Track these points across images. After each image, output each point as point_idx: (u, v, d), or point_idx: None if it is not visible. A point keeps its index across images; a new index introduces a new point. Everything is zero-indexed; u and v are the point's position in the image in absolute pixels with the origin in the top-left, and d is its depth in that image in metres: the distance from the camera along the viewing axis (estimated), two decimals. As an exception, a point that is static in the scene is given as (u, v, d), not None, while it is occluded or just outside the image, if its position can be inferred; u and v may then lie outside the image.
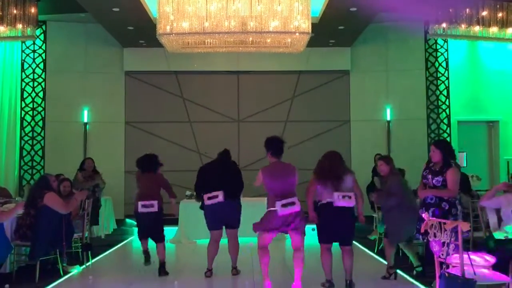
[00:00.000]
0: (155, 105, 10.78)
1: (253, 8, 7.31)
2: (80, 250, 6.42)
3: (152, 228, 5.91)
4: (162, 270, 5.83)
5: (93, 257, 6.62)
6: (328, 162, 5.09)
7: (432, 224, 3.65)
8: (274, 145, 5.07)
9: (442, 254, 3.61)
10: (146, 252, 6.10)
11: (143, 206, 5.81)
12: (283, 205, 4.75)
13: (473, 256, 3.64)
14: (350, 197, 4.92)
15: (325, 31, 9.35)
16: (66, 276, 5.70)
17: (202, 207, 5.77)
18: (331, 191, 4.93)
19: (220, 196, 5.54)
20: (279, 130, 10.72)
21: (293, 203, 4.76)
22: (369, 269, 6.14)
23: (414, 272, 5.56)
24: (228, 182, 5.68)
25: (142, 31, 9.23)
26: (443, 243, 3.60)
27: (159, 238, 5.89)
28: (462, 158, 10.93)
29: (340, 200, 4.87)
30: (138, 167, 6.13)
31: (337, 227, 4.94)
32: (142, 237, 6.07)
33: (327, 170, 5.03)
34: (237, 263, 5.84)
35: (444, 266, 3.66)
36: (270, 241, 4.98)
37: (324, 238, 5.01)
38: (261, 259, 4.94)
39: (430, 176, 4.83)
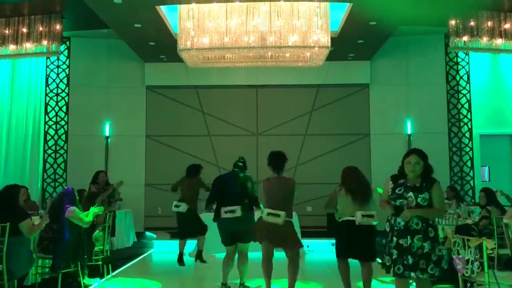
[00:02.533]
0: (176, 119, 10.90)
1: (272, 23, 7.38)
2: (101, 263, 6.47)
3: (192, 223, 7.38)
4: (200, 258, 7.38)
5: (113, 270, 6.66)
6: (359, 177, 5.20)
7: (456, 241, 3.59)
8: (273, 161, 5.24)
9: (467, 272, 3.53)
10: (181, 255, 7.39)
11: (176, 206, 7.39)
12: (268, 214, 4.98)
13: (498, 274, 3.56)
14: (373, 216, 4.92)
15: (344, 45, 9.35)
16: (87, 289, 5.76)
17: (215, 219, 5.76)
18: (356, 207, 4.96)
19: (238, 211, 5.52)
20: (298, 143, 10.74)
21: (277, 215, 4.94)
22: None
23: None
24: (244, 195, 5.63)
25: (163, 46, 9.38)
26: (467, 260, 3.53)
27: (203, 231, 7.43)
28: (484, 172, 10.75)
29: (362, 219, 4.87)
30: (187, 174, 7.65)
31: (356, 244, 4.92)
32: (184, 236, 7.46)
33: (359, 184, 5.12)
34: (244, 279, 5.71)
35: (468, 285, 3.58)
36: (271, 253, 5.13)
37: (341, 253, 5.04)
38: (264, 271, 5.13)
39: (411, 194, 3.82)
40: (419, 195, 3.81)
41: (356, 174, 5.20)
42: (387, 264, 3.84)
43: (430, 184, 3.84)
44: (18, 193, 5.18)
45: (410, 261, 3.70)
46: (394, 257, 3.79)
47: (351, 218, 4.93)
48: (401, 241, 3.78)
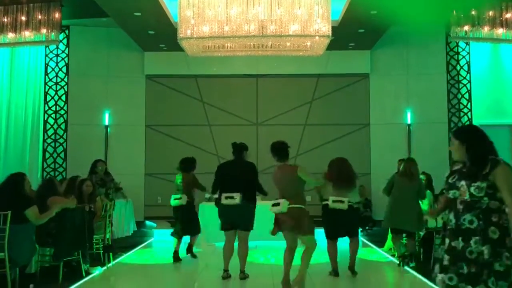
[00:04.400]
0: (175, 108, 10.88)
1: (273, 12, 7.33)
2: (101, 251, 6.51)
3: (184, 220, 6.90)
4: (190, 251, 7.13)
5: (114, 259, 6.69)
6: (345, 166, 5.91)
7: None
8: (274, 150, 5.28)
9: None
10: (176, 253, 6.87)
11: (175, 199, 6.98)
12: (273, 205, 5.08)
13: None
14: (343, 202, 5.67)
15: (345, 34, 9.31)
16: (88, 277, 5.78)
17: (217, 203, 5.81)
18: (342, 193, 5.75)
19: (237, 198, 5.56)
20: (298, 133, 10.74)
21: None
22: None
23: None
24: (246, 183, 5.68)
25: (163, 35, 9.34)
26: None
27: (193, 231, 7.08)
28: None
29: (333, 204, 5.69)
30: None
31: (343, 224, 5.73)
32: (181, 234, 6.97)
33: (345, 173, 5.83)
34: (245, 267, 5.72)
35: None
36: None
37: (331, 235, 5.83)
38: (283, 259, 5.15)
39: (464, 183, 2.95)
40: (472, 184, 2.90)
41: (342, 164, 5.87)
42: (437, 273, 3.01)
43: (491, 169, 2.89)
44: (23, 180, 5.22)
45: (465, 270, 2.86)
46: (445, 263, 2.96)
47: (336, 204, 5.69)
48: (453, 243, 2.94)
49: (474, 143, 2.99)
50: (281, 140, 5.31)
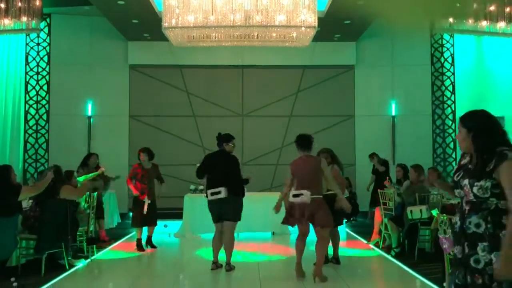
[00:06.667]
0: (160, 99, 10.76)
1: (258, 1, 7.27)
2: (85, 243, 6.41)
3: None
4: (150, 243, 7.10)
5: (98, 251, 6.61)
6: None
7: (442, 221, 3.62)
8: (299, 141, 5.30)
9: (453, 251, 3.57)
10: (140, 241, 6.95)
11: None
12: (294, 195, 5.03)
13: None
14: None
15: (331, 25, 9.28)
16: (71, 270, 5.70)
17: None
18: None
19: (222, 192, 5.54)
20: (284, 124, 10.72)
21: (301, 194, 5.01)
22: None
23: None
24: (231, 176, 5.66)
25: (147, 24, 9.19)
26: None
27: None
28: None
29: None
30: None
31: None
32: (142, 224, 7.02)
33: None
34: (231, 259, 5.69)
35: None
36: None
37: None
38: (296, 247, 5.22)
39: (467, 182, 2.49)
40: (475, 183, 2.44)
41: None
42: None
43: (496, 164, 2.40)
44: (10, 171, 5.20)
45: (461, 280, 2.48)
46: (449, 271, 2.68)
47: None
48: (455, 250, 2.57)
49: (481, 132, 2.47)
50: (306, 133, 5.32)
